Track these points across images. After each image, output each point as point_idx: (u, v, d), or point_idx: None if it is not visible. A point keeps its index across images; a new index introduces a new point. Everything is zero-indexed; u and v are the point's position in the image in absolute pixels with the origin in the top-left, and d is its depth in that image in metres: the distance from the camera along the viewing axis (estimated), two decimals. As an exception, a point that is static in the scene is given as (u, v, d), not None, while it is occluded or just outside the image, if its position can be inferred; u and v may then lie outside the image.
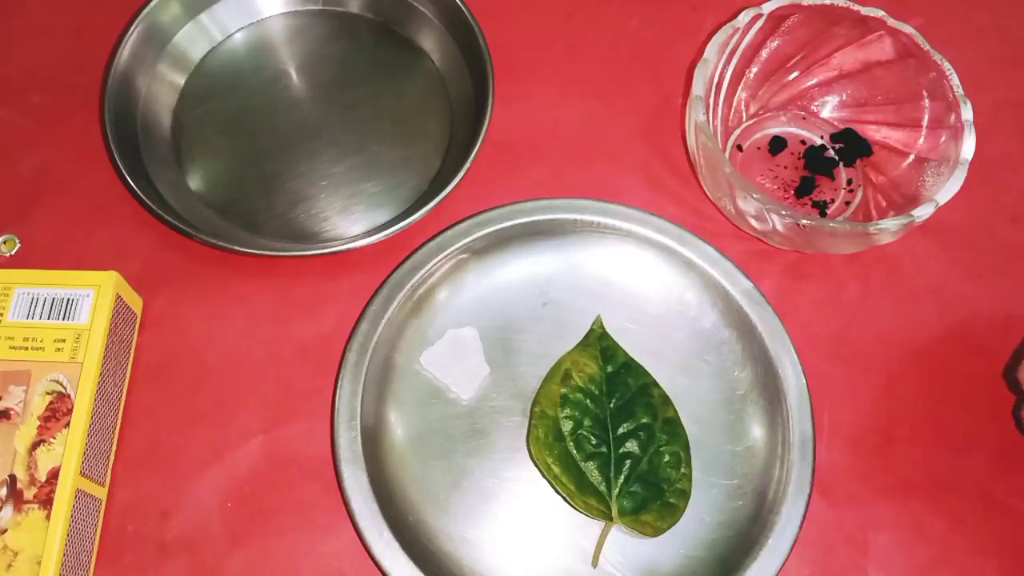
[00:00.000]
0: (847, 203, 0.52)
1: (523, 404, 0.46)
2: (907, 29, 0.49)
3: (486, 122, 0.50)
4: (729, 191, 0.47)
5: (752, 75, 0.53)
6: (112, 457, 0.45)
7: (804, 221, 0.45)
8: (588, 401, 0.44)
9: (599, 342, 0.47)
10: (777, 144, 0.54)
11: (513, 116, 0.53)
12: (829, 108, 0.54)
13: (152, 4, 0.52)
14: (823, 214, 0.52)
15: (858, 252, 0.50)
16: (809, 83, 0.54)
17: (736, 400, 0.46)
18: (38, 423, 0.42)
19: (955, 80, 0.47)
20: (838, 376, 0.48)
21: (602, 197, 0.49)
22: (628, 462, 0.43)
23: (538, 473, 0.44)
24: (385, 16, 0.57)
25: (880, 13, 0.49)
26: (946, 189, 0.45)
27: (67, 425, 0.42)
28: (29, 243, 0.50)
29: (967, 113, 0.47)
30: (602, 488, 0.43)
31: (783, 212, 0.45)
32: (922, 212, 0.44)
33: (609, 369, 0.46)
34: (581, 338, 0.47)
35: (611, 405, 0.45)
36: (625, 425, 0.44)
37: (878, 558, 0.44)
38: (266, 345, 0.48)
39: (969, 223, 0.52)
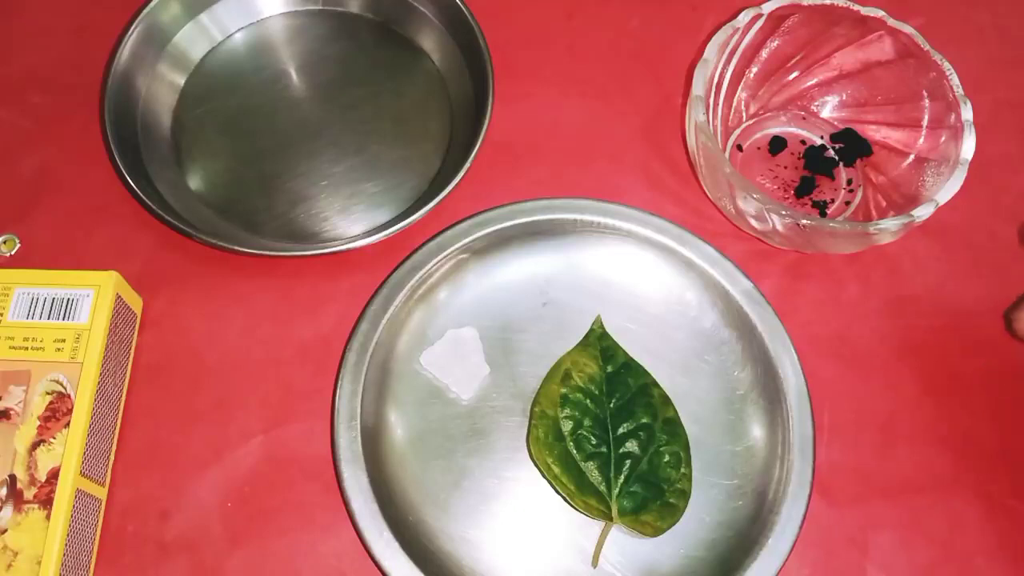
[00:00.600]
0: (847, 203, 0.52)
1: (523, 404, 0.46)
2: (907, 29, 0.49)
3: (486, 122, 0.50)
4: (729, 191, 0.47)
5: (752, 75, 0.53)
6: (112, 457, 0.45)
7: (804, 221, 0.45)
8: (588, 401, 0.44)
9: (599, 342, 0.47)
10: (777, 144, 0.54)
11: (513, 116, 0.53)
12: (829, 108, 0.54)
13: (152, 4, 0.52)
14: (823, 214, 0.52)
15: (858, 252, 0.50)
16: (809, 83, 0.54)
17: (736, 400, 0.46)
18: (38, 423, 0.42)
19: (955, 80, 0.47)
20: (838, 376, 0.48)
21: (602, 197, 0.49)
22: (628, 462, 0.43)
23: (538, 473, 0.44)
24: (385, 16, 0.57)
25: (880, 13, 0.49)
26: (946, 189, 0.45)
27: (67, 425, 0.42)
28: (29, 243, 0.50)
29: (967, 113, 0.47)
30: (602, 488, 0.43)
31: (783, 212, 0.45)
32: (922, 212, 0.44)
33: (609, 369, 0.46)
34: (581, 338, 0.47)
35: (611, 405, 0.45)
36: (625, 425, 0.44)
37: (878, 558, 0.44)
38: (266, 345, 0.48)
39: (969, 223, 0.52)
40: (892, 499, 0.46)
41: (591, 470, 0.43)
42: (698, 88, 0.47)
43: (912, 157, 0.50)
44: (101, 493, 0.44)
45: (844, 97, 0.54)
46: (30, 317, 0.44)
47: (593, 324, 0.47)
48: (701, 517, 0.44)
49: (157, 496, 0.44)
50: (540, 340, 0.47)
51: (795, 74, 0.54)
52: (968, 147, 0.46)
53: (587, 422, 0.44)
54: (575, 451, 0.43)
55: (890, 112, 0.52)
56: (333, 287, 0.49)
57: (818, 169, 0.53)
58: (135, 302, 0.48)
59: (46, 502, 0.40)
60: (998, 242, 0.52)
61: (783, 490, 0.43)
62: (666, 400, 0.45)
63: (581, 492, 0.42)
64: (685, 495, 0.43)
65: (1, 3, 0.57)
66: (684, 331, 0.48)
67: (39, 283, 0.45)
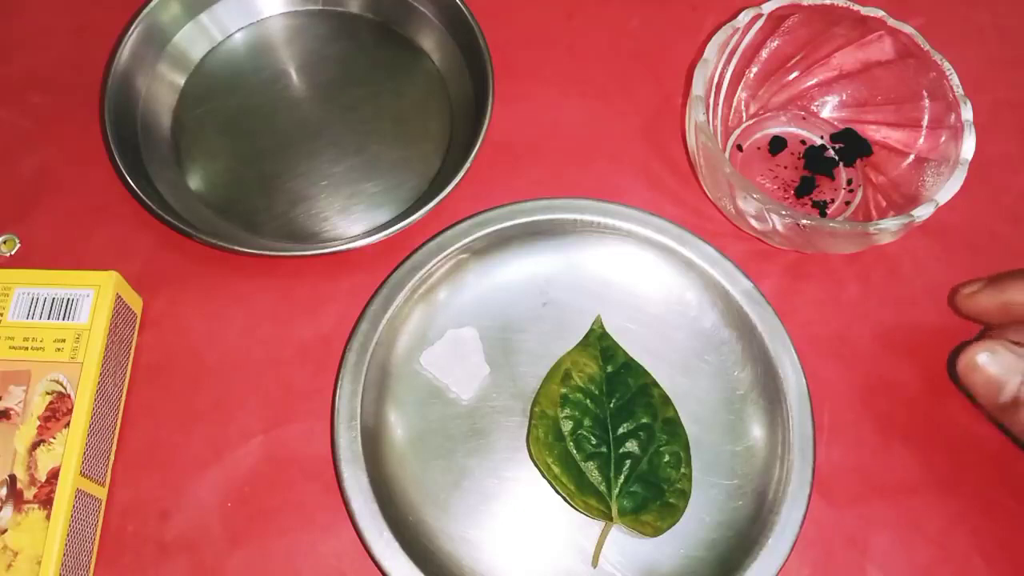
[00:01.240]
0: (847, 203, 0.52)
1: (523, 404, 0.46)
2: (907, 29, 0.49)
3: (486, 122, 0.50)
4: (729, 191, 0.47)
5: (752, 75, 0.53)
6: (112, 457, 0.45)
7: (804, 221, 0.45)
8: (588, 401, 0.44)
9: (599, 342, 0.47)
10: (777, 144, 0.54)
11: (513, 116, 0.53)
12: (829, 108, 0.54)
13: (152, 4, 0.52)
14: (823, 214, 0.52)
15: (858, 252, 0.50)
16: (809, 83, 0.54)
17: (736, 400, 0.46)
18: (38, 423, 0.42)
19: (955, 80, 0.47)
20: (838, 376, 0.48)
21: (602, 197, 0.49)
22: (628, 462, 0.43)
23: (538, 473, 0.44)
24: (385, 16, 0.57)
25: (880, 13, 0.49)
26: (946, 189, 0.45)
27: (67, 425, 0.42)
28: (29, 243, 0.50)
29: (967, 113, 0.47)
30: (602, 488, 0.43)
31: (783, 212, 0.45)
32: (922, 212, 0.44)
33: (609, 369, 0.46)
34: (581, 338, 0.47)
35: (611, 405, 0.45)
36: (625, 425, 0.44)
37: (878, 558, 0.44)
38: (266, 345, 0.48)
39: (969, 223, 0.52)
40: (892, 499, 0.46)
41: (591, 470, 0.43)
42: (698, 88, 0.47)
43: (912, 157, 0.50)
44: (101, 493, 0.44)
45: (844, 97, 0.54)
46: (30, 317, 0.44)
47: (593, 324, 0.47)
48: (701, 517, 0.44)
49: (157, 496, 0.44)
50: (540, 340, 0.47)
51: (795, 74, 0.54)
52: (968, 147, 0.46)
53: (587, 422, 0.44)
54: (575, 451, 0.43)
55: (890, 112, 0.52)
56: (333, 287, 0.49)
57: (818, 169, 0.53)
58: (135, 302, 0.48)
59: (46, 502, 0.40)
60: (998, 242, 0.52)
61: (783, 490, 0.43)
62: (666, 400, 0.45)
63: (581, 492, 0.42)
64: (685, 495, 0.43)
65: (1, 3, 0.57)
66: (684, 331, 0.48)
67: (39, 283, 0.45)
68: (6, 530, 0.40)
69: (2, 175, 0.52)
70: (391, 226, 0.47)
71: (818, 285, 0.50)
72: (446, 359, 0.47)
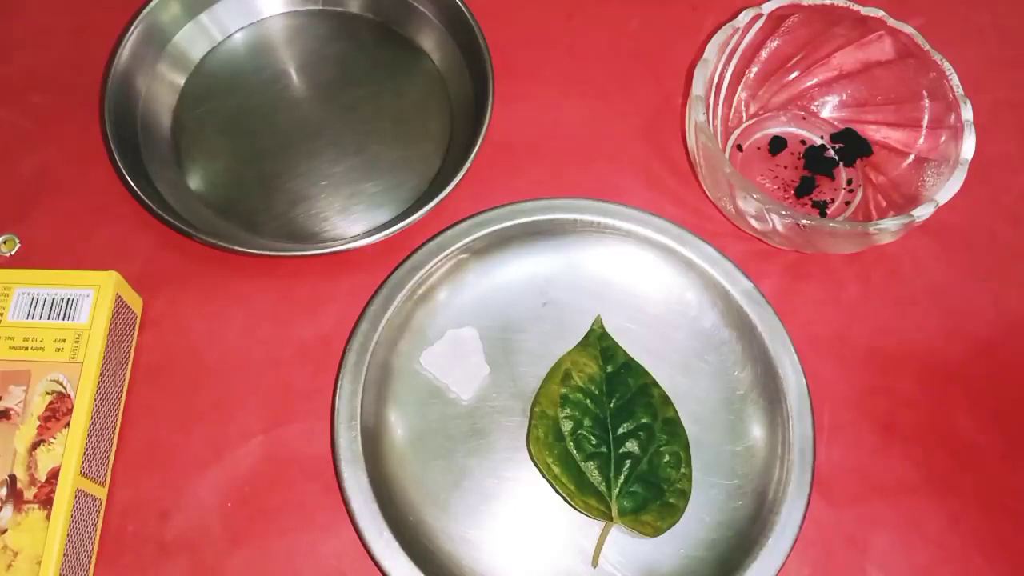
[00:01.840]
0: (847, 203, 0.52)
1: (523, 404, 0.46)
2: (907, 29, 0.49)
3: (486, 122, 0.50)
4: (729, 191, 0.47)
5: (752, 75, 0.53)
6: (112, 457, 0.45)
7: (804, 221, 0.45)
8: (588, 401, 0.44)
9: (599, 342, 0.47)
10: (777, 144, 0.54)
11: (513, 116, 0.53)
12: (829, 108, 0.54)
13: (152, 4, 0.52)
14: (823, 214, 0.52)
15: (858, 252, 0.50)
16: (809, 83, 0.54)
17: (736, 400, 0.46)
18: (38, 423, 0.42)
19: (955, 80, 0.47)
20: (838, 376, 0.48)
21: (602, 197, 0.49)
22: (628, 462, 0.43)
23: (538, 473, 0.44)
24: (385, 16, 0.57)
25: (880, 13, 0.49)
26: (946, 189, 0.45)
27: (67, 425, 0.42)
28: (29, 243, 0.50)
29: (967, 113, 0.47)
30: (602, 488, 0.43)
31: (783, 212, 0.45)
32: (922, 212, 0.44)
33: (609, 369, 0.46)
34: (581, 338, 0.47)
35: (611, 405, 0.45)
36: (625, 425, 0.44)
37: (878, 558, 0.44)
38: (266, 345, 0.48)
39: (969, 223, 0.52)
40: (892, 499, 0.46)
41: (591, 470, 0.43)
42: (698, 88, 0.47)
43: (912, 157, 0.50)
44: (101, 493, 0.44)
45: (844, 97, 0.54)
46: (30, 317, 0.44)
47: (593, 324, 0.47)
48: (701, 517, 0.44)
49: (157, 496, 0.44)
50: (540, 340, 0.47)
51: (795, 74, 0.54)
52: (968, 147, 0.46)
53: (587, 422, 0.44)
54: (575, 451, 0.43)
55: (890, 112, 0.52)
56: (333, 287, 0.49)
57: (818, 169, 0.53)
58: (135, 302, 0.48)
59: (46, 502, 0.40)
60: (998, 242, 0.52)
61: (783, 490, 0.43)
62: (666, 400, 0.45)
63: (581, 492, 0.42)
64: (685, 495, 0.43)
65: (1, 3, 0.57)
66: (684, 331, 0.48)
67: (39, 283, 0.45)
68: (6, 530, 0.40)
69: (2, 175, 0.52)
70: (391, 226, 0.47)
71: (818, 285, 0.50)
72: (446, 359, 0.47)
